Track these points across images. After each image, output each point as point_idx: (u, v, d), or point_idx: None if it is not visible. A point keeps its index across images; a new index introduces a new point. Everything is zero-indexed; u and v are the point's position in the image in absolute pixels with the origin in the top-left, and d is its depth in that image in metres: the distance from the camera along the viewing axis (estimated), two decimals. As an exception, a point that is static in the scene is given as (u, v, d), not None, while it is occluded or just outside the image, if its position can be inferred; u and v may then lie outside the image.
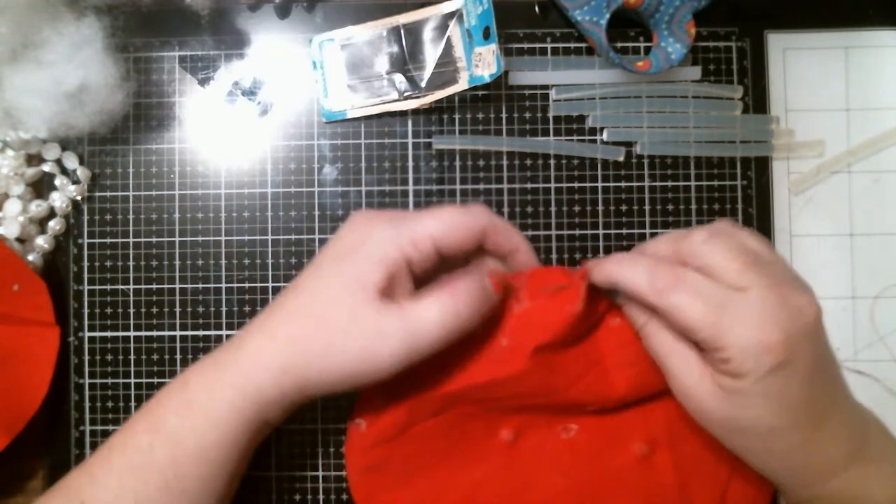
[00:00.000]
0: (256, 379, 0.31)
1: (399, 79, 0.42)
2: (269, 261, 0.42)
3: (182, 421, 0.30)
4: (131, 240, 0.42)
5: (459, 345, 0.33)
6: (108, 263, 0.42)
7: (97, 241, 0.42)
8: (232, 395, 0.31)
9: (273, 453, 0.41)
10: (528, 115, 0.42)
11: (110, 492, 0.30)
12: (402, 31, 0.42)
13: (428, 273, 0.33)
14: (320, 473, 0.41)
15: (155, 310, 0.42)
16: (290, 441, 0.41)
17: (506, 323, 0.34)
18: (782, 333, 0.28)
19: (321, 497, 0.41)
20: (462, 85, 0.41)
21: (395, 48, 0.42)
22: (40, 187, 0.43)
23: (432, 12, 0.42)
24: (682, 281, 0.29)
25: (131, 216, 0.42)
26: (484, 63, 0.40)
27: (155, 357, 0.42)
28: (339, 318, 0.30)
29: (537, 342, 0.33)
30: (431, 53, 0.42)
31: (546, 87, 0.43)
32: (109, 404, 0.42)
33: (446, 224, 0.32)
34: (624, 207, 0.42)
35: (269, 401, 0.31)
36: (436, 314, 0.30)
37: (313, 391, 0.31)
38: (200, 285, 0.42)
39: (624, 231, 0.42)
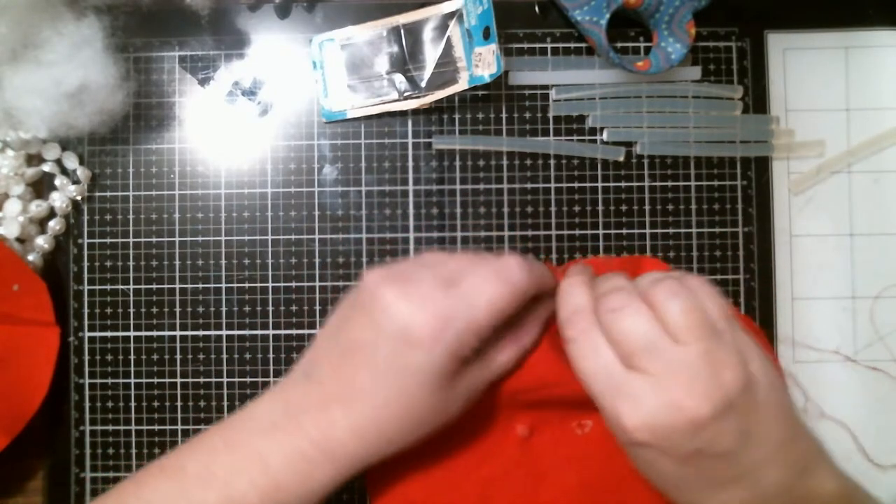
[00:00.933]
0: (351, 473, 0.30)
1: (399, 79, 0.42)
2: (269, 261, 0.42)
3: (264, 501, 0.29)
4: (131, 240, 0.42)
5: None
6: (108, 263, 0.42)
7: (97, 241, 0.42)
8: (327, 481, 0.30)
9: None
10: (528, 115, 0.42)
11: None
12: (402, 31, 0.42)
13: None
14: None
15: (155, 310, 0.42)
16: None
17: None
18: (643, 421, 0.27)
19: (321, 497, 0.41)
20: (462, 85, 0.41)
21: (395, 48, 0.42)
22: (40, 187, 0.43)
23: (432, 12, 0.42)
24: (587, 335, 0.30)
25: (131, 216, 0.42)
26: (484, 63, 0.40)
27: (155, 357, 0.42)
28: (427, 414, 0.30)
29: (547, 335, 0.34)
30: (431, 53, 0.42)
31: (546, 87, 0.43)
32: (109, 404, 0.42)
33: (499, 307, 0.30)
34: (624, 207, 0.42)
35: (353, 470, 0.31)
36: (508, 360, 0.32)
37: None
38: (200, 285, 0.42)
39: (624, 231, 0.42)
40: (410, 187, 0.42)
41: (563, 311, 0.31)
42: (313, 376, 0.31)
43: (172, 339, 0.42)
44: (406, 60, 0.42)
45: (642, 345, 0.28)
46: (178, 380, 0.42)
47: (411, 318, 0.29)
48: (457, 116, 0.43)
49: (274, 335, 0.42)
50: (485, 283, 0.30)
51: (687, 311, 0.28)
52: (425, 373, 0.29)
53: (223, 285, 0.42)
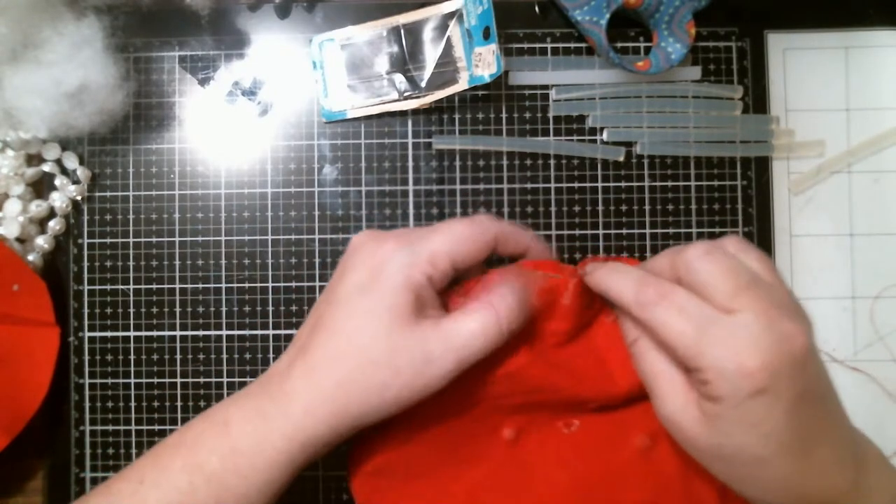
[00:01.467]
0: (310, 428, 0.30)
1: (399, 79, 0.42)
2: (269, 261, 0.42)
3: (226, 464, 0.30)
4: (131, 240, 0.42)
5: None
6: (108, 263, 0.42)
7: (97, 241, 0.42)
8: (282, 444, 0.30)
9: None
10: (528, 115, 0.42)
11: None
12: (402, 31, 0.42)
13: (444, 287, 0.33)
14: (320, 473, 0.41)
15: (155, 310, 0.42)
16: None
17: None
18: (763, 360, 0.27)
19: (321, 497, 0.41)
20: (462, 85, 0.41)
21: (395, 48, 0.42)
22: (40, 187, 0.43)
23: (432, 12, 0.42)
24: (667, 296, 0.29)
25: (131, 216, 0.42)
26: (484, 63, 0.40)
27: (155, 357, 0.42)
28: (383, 354, 0.30)
29: (532, 334, 0.33)
30: (431, 53, 0.42)
31: (546, 87, 0.43)
32: (109, 404, 0.42)
33: (458, 239, 0.31)
34: (624, 207, 0.42)
35: (321, 444, 0.31)
36: (478, 328, 0.30)
37: (367, 423, 0.31)
38: (200, 285, 0.42)
39: (624, 231, 0.42)
40: (410, 187, 0.42)
41: (626, 283, 0.30)
42: (293, 344, 0.32)
43: (172, 339, 0.42)
44: (406, 60, 0.42)
45: (735, 283, 0.28)
46: (178, 380, 0.42)
47: (373, 252, 0.31)
48: (457, 116, 0.43)
49: (274, 335, 0.42)
50: (450, 223, 0.32)
51: (760, 259, 0.30)
52: (382, 307, 0.30)
53: (223, 285, 0.42)
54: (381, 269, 0.31)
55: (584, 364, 0.34)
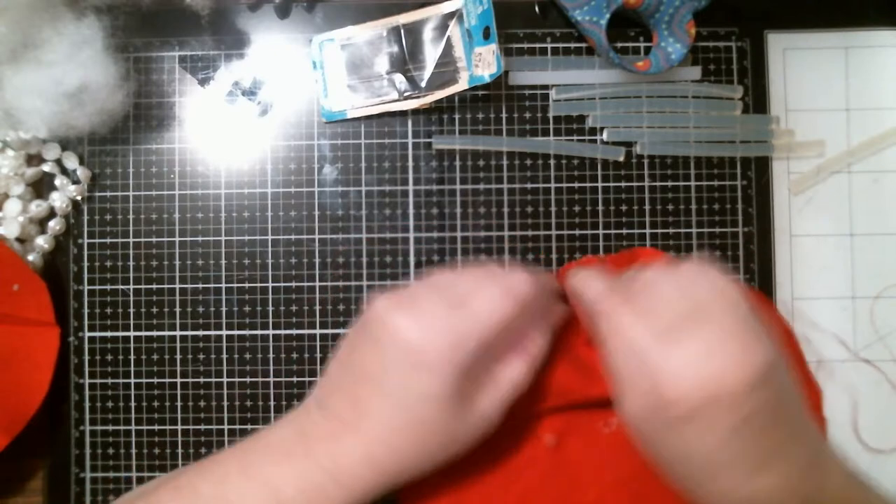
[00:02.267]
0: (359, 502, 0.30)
1: (399, 79, 0.42)
2: (269, 261, 0.42)
3: None
4: (131, 240, 0.42)
5: None
6: (108, 263, 0.42)
7: (97, 241, 0.42)
8: (332, 492, 0.30)
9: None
10: (528, 115, 0.42)
11: None
12: (402, 31, 0.42)
13: None
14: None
15: (155, 310, 0.42)
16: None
17: None
18: (685, 392, 0.27)
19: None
20: (462, 85, 0.41)
21: (395, 48, 0.42)
22: (40, 187, 0.43)
23: (432, 12, 0.42)
24: (614, 313, 0.30)
25: (131, 216, 0.42)
26: (484, 63, 0.40)
27: (155, 357, 0.42)
28: (424, 436, 0.30)
29: (561, 340, 0.34)
30: (431, 53, 0.42)
31: (546, 87, 0.43)
32: (109, 404, 0.42)
33: (495, 321, 0.30)
34: (624, 207, 0.42)
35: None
36: (517, 375, 0.32)
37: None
38: (200, 285, 0.42)
39: (624, 231, 0.42)
40: (410, 187, 0.42)
41: (590, 291, 0.31)
42: (326, 406, 0.31)
43: (172, 339, 0.42)
44: (406, 60, 0.42)
45: (676, 314, 0.28)
46: (178, 380, 0.42)
47: (419, 341, 0.29)
48: (457, 116, 0.43)
49: (274, 335, 0.42)
50: (492, 301, 0.30)
51: (714, 285, 0.29)
52: (436, 395, 0.29)
53: (223, 285, 0.42)
54: (432, 355, 0.29)
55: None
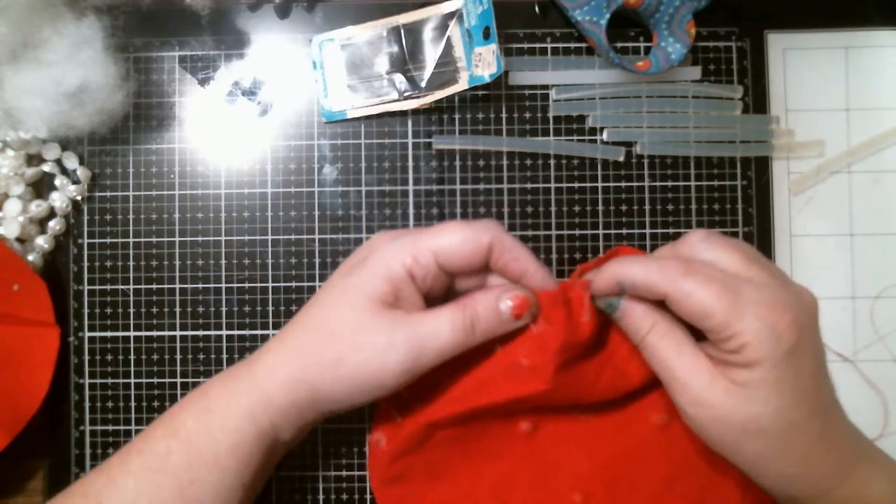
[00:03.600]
0: (269, 388, 0.32)
1: (399, 79, 0.42)
2: (269, 261, 0.42)
3: (199, 425, 0.31)
4: (131, 240, 0.42)
5: (477, 360, 0.33)
6: (108, 263, 0.42)
7: (97, 241, 0.42)
8: (246, 403, 0.31)
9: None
10: (528, 115, 0.42)
11: (127, 494, 0.30)
12: (402, 31, 0.42)
13: (438, 291, 0.33)
14: (320, 474, 0.41)
15: (155, 310, 0.42)
16: (290, 441, 0.41)
17: (523, 341, 0.33)
18: (791, 317, 0.28)
19: (321, 497, 0.41)
20: (462, 85, 0.41)
21: (395, 48, 0.42)
22: (40, 187, 0.43)
23: (432, 12, 0.42)
24: (693, 267, 0.30)
25: (131, 216, 0.42)
26: (484, 63, 0.40)
27: (155, 357, 0.42)
28: (347, 329, 0.31)
29: (557, 363, 0.32)
30: (431, 53, 0.42)
31: (546, 87, 0.43)
32: (109, 404, 0.42)
33: (448, 238, 0.32)
34: (624, 207, 0.42)
35: (281, 411, 0.32)
36: (446, 327, 0.31)
37: (324, 405, 0.32)
38: (200, 285, 0.42)
39: (624, 231, 0.42)
40: (410, 187, 0.42)
41: (645, 265, 0.30)
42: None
43: (172, 339, 0.42)
44: (406, 60, 0.42)
45: (744, 255, 0.30)
46: (178, 380, 0.42)
47: (370, 243, 0.34)
48: (457, 116, 0.43)
49: (274, 335, 0.42)
50: (447, 223, 0.33)
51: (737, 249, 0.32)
52: (356, 288, 0.31)
53: (223, 285, 0.42)
54: (367, 257, 0.33)
55: (598, 368, 0.34)
